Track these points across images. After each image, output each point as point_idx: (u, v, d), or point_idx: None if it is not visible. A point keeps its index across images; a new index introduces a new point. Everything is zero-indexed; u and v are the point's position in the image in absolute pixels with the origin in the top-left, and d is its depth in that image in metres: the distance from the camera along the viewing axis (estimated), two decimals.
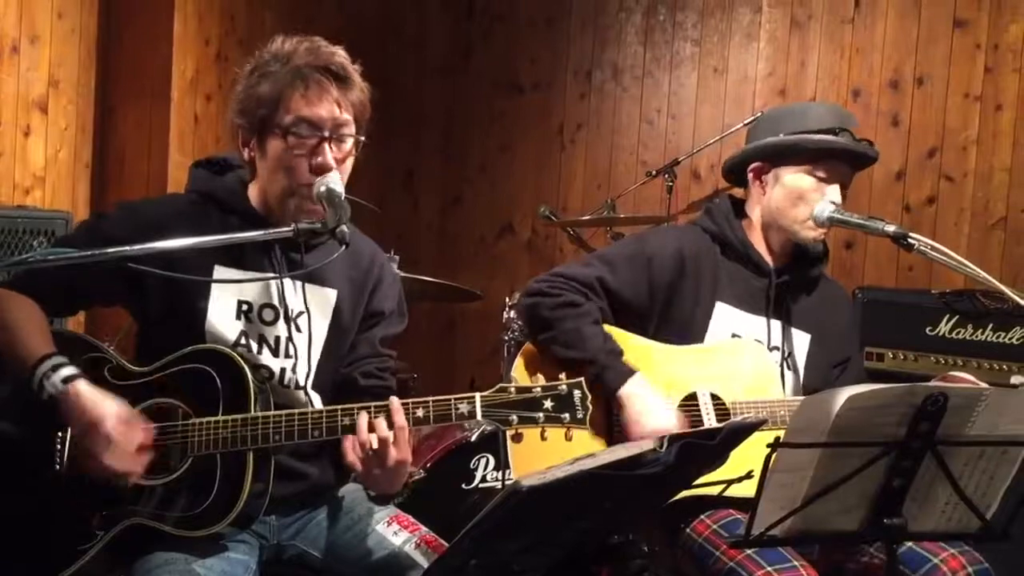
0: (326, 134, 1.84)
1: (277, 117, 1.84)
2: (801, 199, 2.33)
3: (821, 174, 2.32)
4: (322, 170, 1.83)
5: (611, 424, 2.28)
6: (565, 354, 2.24)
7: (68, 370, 1.74)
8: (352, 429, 1.74)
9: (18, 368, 1.77)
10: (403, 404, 1.75)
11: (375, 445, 1.70)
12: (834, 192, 2.32)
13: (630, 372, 2.23)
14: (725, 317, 2.36)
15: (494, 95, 5.10)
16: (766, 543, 1.67)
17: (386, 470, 1.73)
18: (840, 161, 2.33)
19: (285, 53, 1.87)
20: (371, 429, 1.72)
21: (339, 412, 1.77)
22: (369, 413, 1.74)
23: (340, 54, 1.90)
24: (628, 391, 2.21)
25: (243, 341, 1.91)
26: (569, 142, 4.99)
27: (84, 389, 1.73)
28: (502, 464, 3.07)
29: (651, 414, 2.19)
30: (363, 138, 1.91)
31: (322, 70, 1.85)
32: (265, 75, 1.86)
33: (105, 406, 1.72)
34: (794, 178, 2.34)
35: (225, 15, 4.04)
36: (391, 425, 1.72)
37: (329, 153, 1.84)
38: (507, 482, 2.74)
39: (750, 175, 2.42)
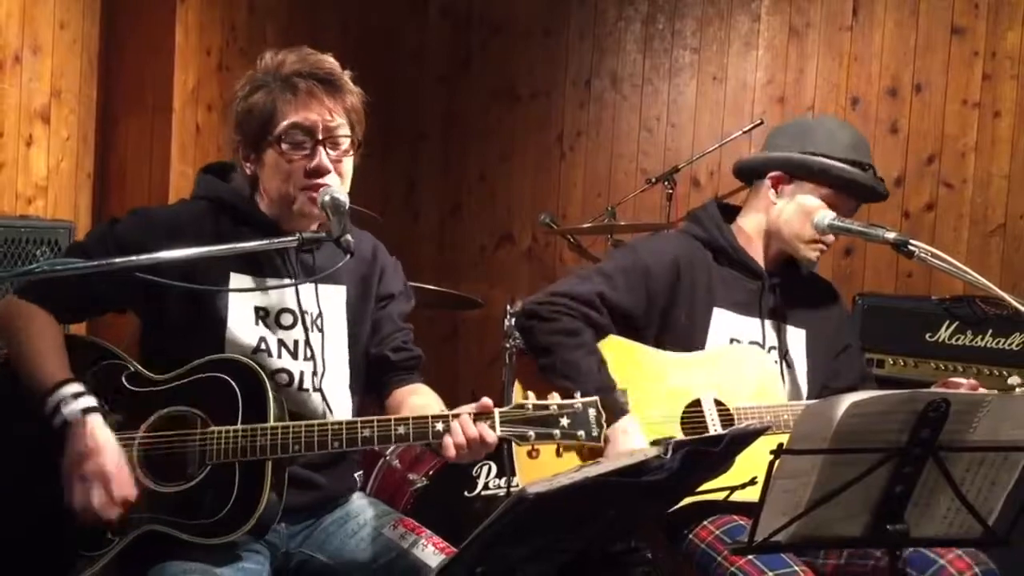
0: (319, 137, 1.88)
1: (270, 128, 1.87)
2: (808, 219, 2.36)
3: (832, 200, 2.35)
4: (318, 173, 1.87)
5: None
6: (559, 382, 2.23)
7: (87, 400, 1.76)
8: (371, 441, 1.79)
9: (32, 386, 1.78)
10: (422, 419, 1.80)
11: (470, 445, 1.79)
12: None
13: (623, 412, 2.22)
14: (723, 322, 2.37)
15: (493, 104, 5.11)
16: (769, 549, 1.68)
17: (476, 454, 1.82)
18: (854, 196, 2.38)
19: (275, 64, 1.91)
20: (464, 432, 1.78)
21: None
22: (460, 418, 1.79)
23: (329, 61, 1.94)
24: (619, 427, 2.20)
25: (263, 347, 1.93)
26: (568, 150, 5.00)
27: (99, 424, 1.75)
28: (506, 471, 3.08)
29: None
30: (360, 139, 1.94)
31: (310, 76, 1.89)
32: (256, 88, 1.91)
33: (112, 444, 1.75)
34: (808, 199, 2.36)
35: (226, 26, 4.05)
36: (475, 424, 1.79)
37: (324, 156, 1.88)
38: (513, 488, 2.76)
39: (768, 181, 2.41)
